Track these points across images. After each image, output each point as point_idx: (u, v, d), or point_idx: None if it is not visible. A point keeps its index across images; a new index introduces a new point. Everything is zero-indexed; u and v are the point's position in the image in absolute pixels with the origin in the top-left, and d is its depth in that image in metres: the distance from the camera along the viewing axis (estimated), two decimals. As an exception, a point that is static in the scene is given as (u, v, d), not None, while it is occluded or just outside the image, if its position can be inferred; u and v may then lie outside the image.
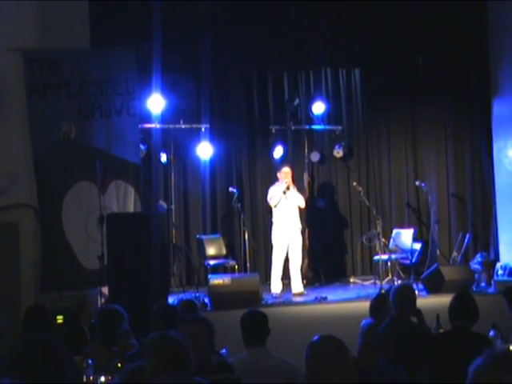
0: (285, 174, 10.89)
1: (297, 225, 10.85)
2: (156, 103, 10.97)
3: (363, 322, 6.36)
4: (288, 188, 10.79)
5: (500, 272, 11.30)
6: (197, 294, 10.07)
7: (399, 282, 10.91)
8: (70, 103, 10.12)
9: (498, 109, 12.12)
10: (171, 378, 3.45)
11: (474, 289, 10.50)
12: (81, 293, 8.38)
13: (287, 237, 10.76)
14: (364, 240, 12.05)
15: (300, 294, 10.61)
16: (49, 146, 10.03)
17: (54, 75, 10.07)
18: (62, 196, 9.96)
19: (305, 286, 10.97)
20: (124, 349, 5.22)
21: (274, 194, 10.81)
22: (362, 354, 5.56)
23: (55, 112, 10.08)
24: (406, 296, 5.99)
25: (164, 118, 11.34)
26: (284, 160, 11.97)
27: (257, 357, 5.02)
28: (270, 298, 10.25)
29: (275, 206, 10.79)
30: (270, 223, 11.11)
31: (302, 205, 10.99)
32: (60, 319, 7.59)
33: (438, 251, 12.17)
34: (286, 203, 10.80)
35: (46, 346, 2.83)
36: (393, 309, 5.93)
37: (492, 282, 10.86)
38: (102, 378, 4.72)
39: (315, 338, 3.43)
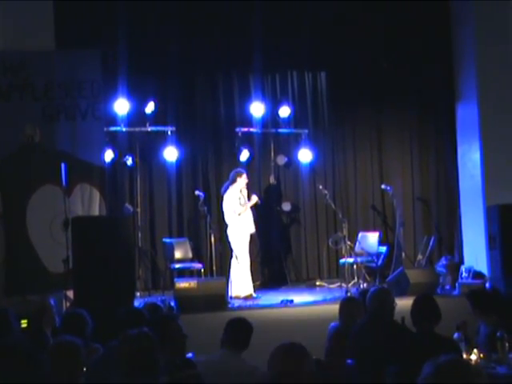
0: (244, 179, 10.90)
1: (252, 230, 10.91)
2: (122, 106, 10.92)
3: (330, 325, 6.38)
4: (256, 204, 10.88)
5: (464, 275, 11.42)
6: (163, 298, 10.02)
7: (365, 285, 10.95)
8: (34, 105, 10.03)
9: (463, 113, 12.24)
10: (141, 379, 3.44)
11: (439, 291, 10.58)
12: (41, 297, 8.28)
13: (247, 240, 10.79)
14: (330, 243, 12.07)
15: (237, 297, 10.56)
16: (13, 149, 9.93)
17: (18, 77, 9.97)
18: (26, 199, 9.85)
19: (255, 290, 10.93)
20: (88, 353, 5.16)
21: (243, 205, 10.76)
22: (328, 358, 5.58)
23: (19, 114, 9.98)
24: (381, 299, 6.02)
25: (130, 121, 11.30)
26: (250, 163, 12.01)
27: (228, 359, 5.10)
28: (236, 302, 10.22)
29: (239, 214, 10.76)
30: (225, 226, 11.05)
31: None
32: (24, 323, 7.48)
33: (403, 254, 12.25)
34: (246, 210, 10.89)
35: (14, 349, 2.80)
36: (370, 311, 5.97)
37: (456, 284, 10.94)
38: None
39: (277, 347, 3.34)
